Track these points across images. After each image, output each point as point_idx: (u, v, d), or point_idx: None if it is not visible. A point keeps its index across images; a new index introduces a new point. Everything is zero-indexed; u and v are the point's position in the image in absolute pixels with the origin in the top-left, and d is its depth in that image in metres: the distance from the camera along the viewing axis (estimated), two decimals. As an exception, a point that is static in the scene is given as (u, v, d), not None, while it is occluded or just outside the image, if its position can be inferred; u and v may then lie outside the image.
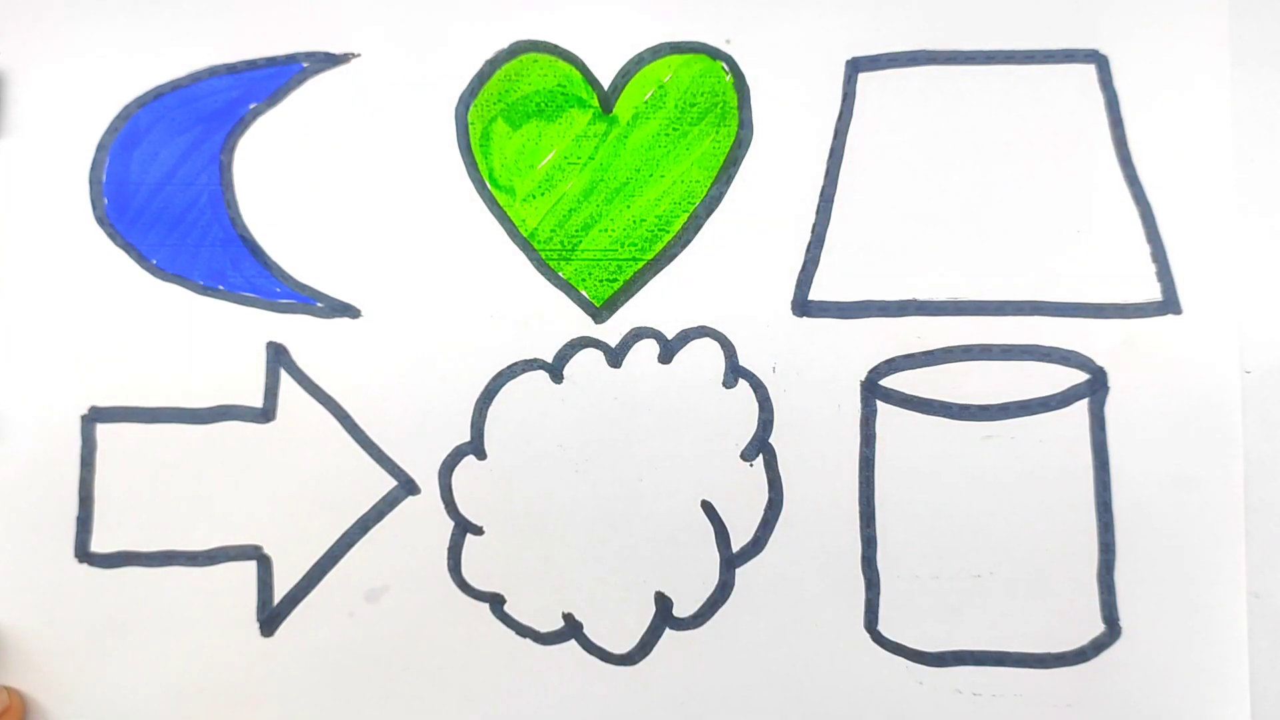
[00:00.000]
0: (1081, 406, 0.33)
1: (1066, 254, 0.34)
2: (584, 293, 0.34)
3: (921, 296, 0.34)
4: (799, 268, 0.34)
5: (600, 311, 0.34)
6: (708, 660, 0.33)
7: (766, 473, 0.34)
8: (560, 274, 0.34)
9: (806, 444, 0.33)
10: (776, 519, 0.34)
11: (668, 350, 0.34)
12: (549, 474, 0.34)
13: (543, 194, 0.34)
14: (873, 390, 0.33)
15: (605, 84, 0.34)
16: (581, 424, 0.34)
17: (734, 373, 0.34)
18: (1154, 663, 0.32)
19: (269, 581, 0.33)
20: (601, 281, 0.34)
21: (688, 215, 0.34)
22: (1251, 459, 0.33)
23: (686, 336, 0.34)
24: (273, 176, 0.34)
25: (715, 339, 0.34)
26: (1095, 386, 0.33)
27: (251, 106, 0.34)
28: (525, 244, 0.34)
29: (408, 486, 0.34)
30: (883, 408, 0.33)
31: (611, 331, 0.34)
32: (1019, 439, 0.33)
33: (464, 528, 0.34)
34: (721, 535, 0.34)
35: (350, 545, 0.34)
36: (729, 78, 0.34)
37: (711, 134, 0.34)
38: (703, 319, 0.34)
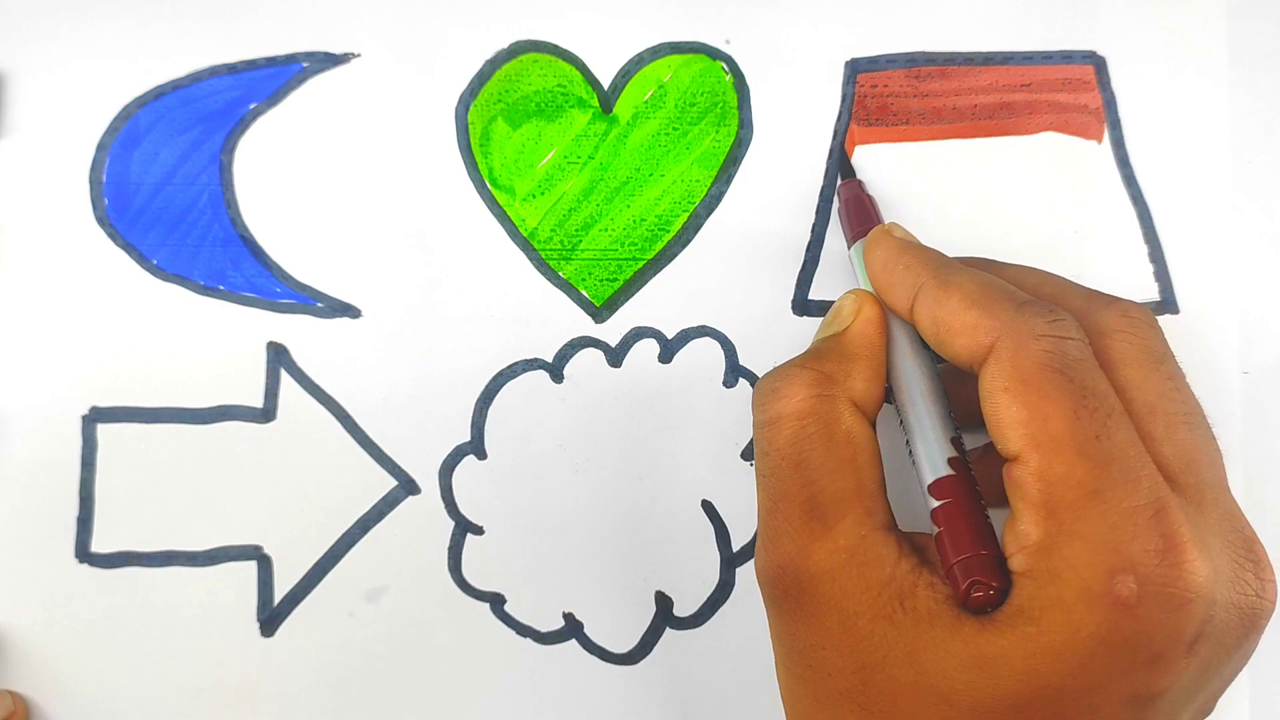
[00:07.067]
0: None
1: (1064, 254, 0.34)
2: (584, 292, 0.34)
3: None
4: (799, 268, 0.34)
5: (600, 311, 0.34)
6: (708, 660, 0.33)
7: (766, 472, 0.34)
8: (560, 274, 0.34)
9: (806, 444, 0.33)
10: (776, 519, 0.34)
11: (668, 350, 0.34)
12: (549, 474, 0.34)
13: (543, 194, 0.34)
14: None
15: (605, 84, 0.34)
16: (581, 424, 0.34)
17: (734, 373, 0.34)
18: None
19: (269, 581, 0.33)
20: (601, 281, 0.34)
21: (688, 215, 0.34)
22: (1251, 459, 0.33)
23: (686, 336, 0.34)
24: (273, 176, 0.34)
25: (715, 339, 0.34)
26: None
27: (251, 106, 0.34)
28: (525, 244, 0.34)
29: (408, 486, 0.34)
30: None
31: (611, 331, 0.34)
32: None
33: (464, 528, 0.34)
34: (721, 535, 0.34)
35: (350, 545, 0.34)
36: (729, 78, 0.34)
37: (711, 134, 0.34)
38: (703, 319, 0.34)
